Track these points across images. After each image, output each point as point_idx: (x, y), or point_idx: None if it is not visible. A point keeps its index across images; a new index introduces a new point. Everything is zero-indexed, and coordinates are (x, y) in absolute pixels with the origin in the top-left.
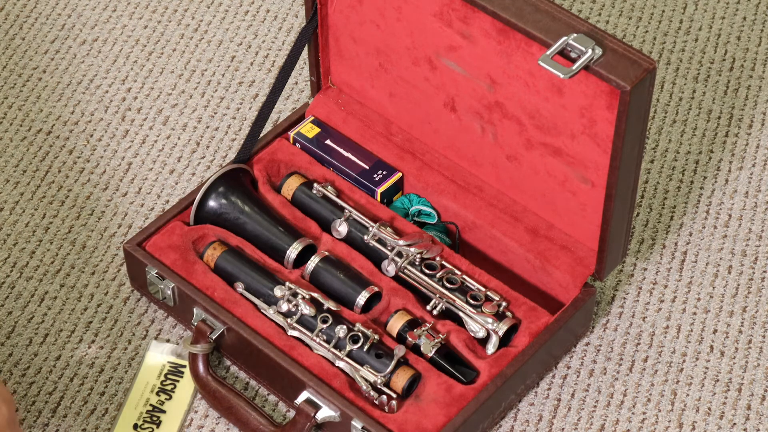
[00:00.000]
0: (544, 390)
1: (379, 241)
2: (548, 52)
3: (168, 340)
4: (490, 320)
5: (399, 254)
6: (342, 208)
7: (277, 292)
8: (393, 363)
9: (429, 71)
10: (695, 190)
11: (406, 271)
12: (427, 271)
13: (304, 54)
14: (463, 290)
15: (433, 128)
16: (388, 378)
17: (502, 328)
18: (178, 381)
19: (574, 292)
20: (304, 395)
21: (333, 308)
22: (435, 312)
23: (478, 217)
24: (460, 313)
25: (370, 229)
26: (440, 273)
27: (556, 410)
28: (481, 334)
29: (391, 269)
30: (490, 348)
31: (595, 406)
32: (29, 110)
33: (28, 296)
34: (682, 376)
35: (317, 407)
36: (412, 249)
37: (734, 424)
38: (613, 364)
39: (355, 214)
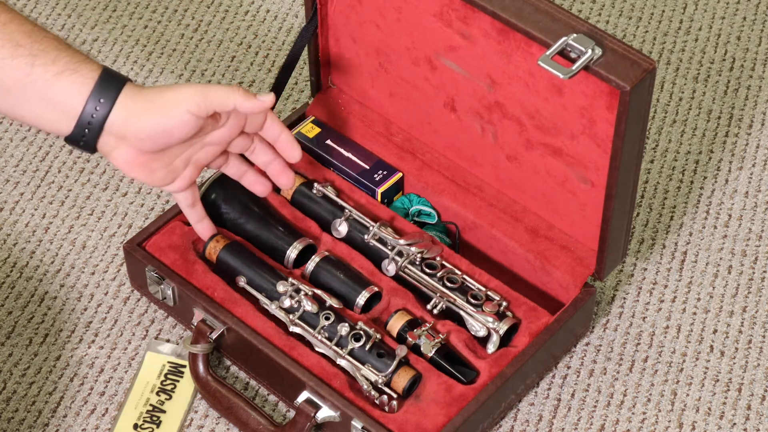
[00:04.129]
0: (544, 390)
1: (380, 240)
2: (548, 53)
3: (168, 340)
4: (490, 319)
5: (399, 253)
6: (342, 208)
7: (280, 287)
8: (395, 363)
9: (429, 71)
10: (695, 190)
11: (406, 270)
12: (427, 271)
13: (304, 54)
14: (463, 290)
15: (433, 128)
16: (389, 378)
17: (503, 327)
18: (178, 381)
19: (574, 292)
20: (304, 395)
21: (336, 306)
22: (435, 311)
23: (478, 217)
24: (461, 312)
25: (371, 228)
26: (441, 272)
27: (556, 410)
28: (482, 333)
29: (391, 268)
30: (491, 347)
31: (595, 406)
32: None
33: (28, 296)
34: (682, 376)
35: (317, 407)
36: (413, 248)
37: (734, 424)
38: (613, 364)
39: (356, 214)
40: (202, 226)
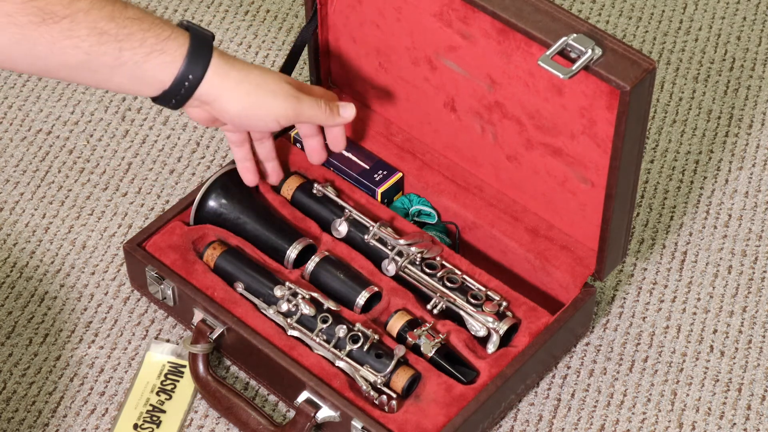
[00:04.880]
0: (544, 390)
1: (380, 240)
2: (548, 53)
3: (168, 340)
4: (490, 319)
5: (399, 253)
6: (342, 208)
7: (277, 292)
8: (393, 363)
9: (429, 71)
10: (695, 190)
11: (406, 270)
12: (427, 271)
13: (304, 54)
14: (463, 290)
15: (433, 128)
16: (388, 378)
17: (503, 327)
18: (178, 381)
19: (574, 292)
20: (304, 395)
21: (333, 308)
22: (435, 311)
23: (478, 217)
24: (461, 312)
25: (371, 228)
26: (441, 272)
27: (556, 410)
28: (482, 332)
29: (391, 268)
30: (491, 347)
31: (595, 406)
32: (29, 110)
33: (28, 296)
34: (682, 376)
35: (317, 407)
36: (413, 248)
37: (734, 424)
38: (613, 364)
39: (356, 214)
40: (244, 167)
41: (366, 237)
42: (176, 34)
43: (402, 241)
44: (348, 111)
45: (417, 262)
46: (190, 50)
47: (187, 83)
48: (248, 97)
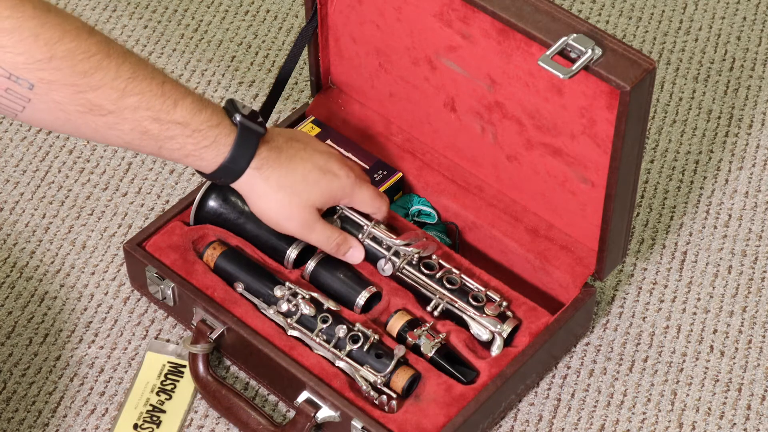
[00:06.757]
0: (544, 390)
1: (374, 239)
2: (548, 53)
3: (168, 340)
4: (493, 322)
5: (396, 254)
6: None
7: (277, 292)
8: (393, 363)
9: (429, 71)
10: (695, 190)
11: (404, 271)
12: (426, 272)
13: (304, 54)
14: (463, 291)
15: (433, 128)
16: (388, 378)
17: (506, 329)
18: (178, 381)
19: (574, 292)
20: (304, 395)
21: (333, 308)
22: (436, 313)
23: (478, 217)
24: (464, 316)
25: (365, 227)
26: (440, 273)
27: (556, 410)
28: (485, 337)
29: (388, 269)
30: (495, 350)
31: (595, 406)
32: None
33: (28, 296)
34: (682, 376)
35: (317, 407)
36: (410, 248)
37: (734, 424)
38: (613, 364)
39: (347, 211)
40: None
41: (360, 236)
42: (218, 143)
43: (399, 242)
44: (355, 256)
45: (414, 262)
46: (227, 162)
47: (219, 180)
48: (265, 208)
